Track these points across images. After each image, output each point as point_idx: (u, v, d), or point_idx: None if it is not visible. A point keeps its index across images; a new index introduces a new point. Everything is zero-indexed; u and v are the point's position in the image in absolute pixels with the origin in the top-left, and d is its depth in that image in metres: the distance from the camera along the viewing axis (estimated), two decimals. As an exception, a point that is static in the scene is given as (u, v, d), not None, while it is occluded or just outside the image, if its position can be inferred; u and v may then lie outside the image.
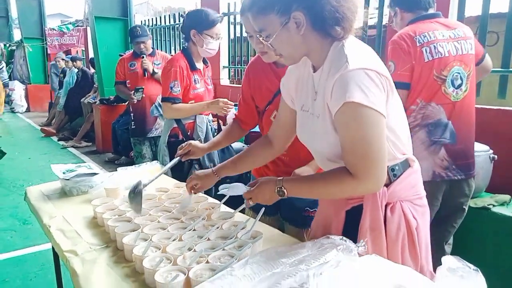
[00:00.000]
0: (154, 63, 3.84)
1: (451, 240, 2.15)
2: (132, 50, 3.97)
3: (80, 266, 1.24)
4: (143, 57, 3.75)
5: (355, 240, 1.09)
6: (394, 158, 1.14)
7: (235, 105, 2.96)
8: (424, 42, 1.90)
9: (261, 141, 1.50)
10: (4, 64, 6.90)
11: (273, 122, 1.46)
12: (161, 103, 2.58)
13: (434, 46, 1.90)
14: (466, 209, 2.07)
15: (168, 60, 2.59)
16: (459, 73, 1.93)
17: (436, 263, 0.94)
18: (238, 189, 1.30)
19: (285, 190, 1.15)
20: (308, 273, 0.77)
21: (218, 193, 1.37)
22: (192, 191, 1.57)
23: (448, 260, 0.91)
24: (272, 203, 1.23)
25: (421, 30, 1.93)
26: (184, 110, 2.50)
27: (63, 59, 8.18)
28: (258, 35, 1.14)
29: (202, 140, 2.53)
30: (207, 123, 2.60)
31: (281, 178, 1.17)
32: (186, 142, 1.75)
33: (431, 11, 2.04)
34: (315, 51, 1.12)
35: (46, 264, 2.72)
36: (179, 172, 2.56)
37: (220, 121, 2.96)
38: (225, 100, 2.51)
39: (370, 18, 4.55)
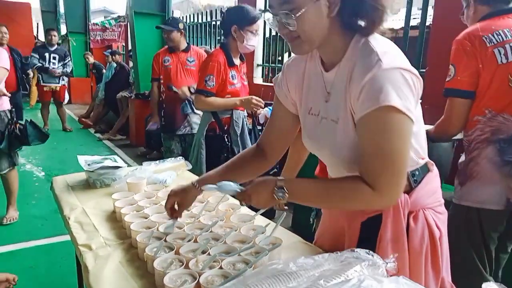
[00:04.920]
0: (188, 60, 3.80)
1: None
2: (167, 46, 3.96)
3: (92, 262, 1.20)
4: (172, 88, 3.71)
5: None
6: (416, 164, 1.05)
7: (267, 104, 2.97)
8: (497, 42, 1.62)
9: (251, 151, 1.30)
10: (70, 58, 7.18)
11: (266, 128, 1.28)
12: (194, 93, 2.70)
13: (510, 46, 1.62)
14: None
15: (208, 55, 2.74)
16: None
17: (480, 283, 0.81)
18: (230, 187, 1.08)
19: (286, 192, 0.98)
20: (326, 293, 0.68)
21: (204, 191, 1.20)
22: (174, 214, 1.28)
23: (491, 288, 0.79)
24: (268, 207, 1.06)
25: (495, 27, 1.64)
26: (216, 104, 2.57)
27: (104, 53, 8.46)
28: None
29: (238, 135, 2.64)
30: (243, 119, 2.68)
31: (282, 178, 1.01)
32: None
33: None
34: (332, 44, 1.00)
35: (72, 254, 2.75)
36: (215, 159, 2.60)
37: (255, 119, 2.96)
38: (258, 98, 2.58)
39: (413, 18, 4.37)
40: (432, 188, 1.10)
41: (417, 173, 1.07)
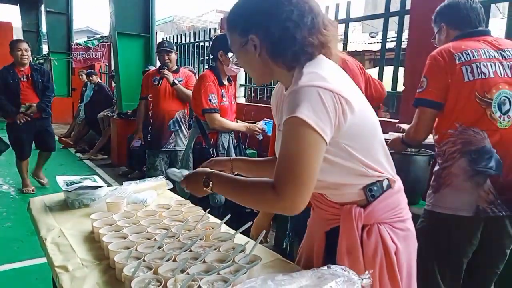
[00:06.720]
0: (176, 79, 3.97)
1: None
2: (157, 67, 4.07)
3: (69, 284, 1.18)
4: (165, 68, 3.83)
5: (334, 264, 1.04)
6: (366, 175, 1.08)
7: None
8: (465, 60, 1.73)
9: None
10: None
11: None
12: (204, 115, 2.81)
13: (477, 65, 1.72)
14: (508, 252, 1.82)
15: (200, 77, 2.95)
16: (507, 97, 1.71)
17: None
18: (177, 174, 1.30)
19: (211, 183, 1.14)
20: (300, 308, 0.69)
21: (168, 170, 1.40)
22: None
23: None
24: (201, 195, 1.22)
25: (465, 47, 1.76)
26: (229, 125, 2.86)
27: (85, 74, 8.34)
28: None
29: (226, 147, 2.88)
30: (229, 133, 2.91)
31: (214, 171, 1.17)
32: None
33: (480, 29, 1.87)
34: (280, 76, 1.14)
35: (49, 277, 2.66)
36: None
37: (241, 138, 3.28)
38: (260, 127, 3.04)
39: (390, 41, 4.53)
40: (390, 203, 1.12)
41: (375, 188, 1.10)
